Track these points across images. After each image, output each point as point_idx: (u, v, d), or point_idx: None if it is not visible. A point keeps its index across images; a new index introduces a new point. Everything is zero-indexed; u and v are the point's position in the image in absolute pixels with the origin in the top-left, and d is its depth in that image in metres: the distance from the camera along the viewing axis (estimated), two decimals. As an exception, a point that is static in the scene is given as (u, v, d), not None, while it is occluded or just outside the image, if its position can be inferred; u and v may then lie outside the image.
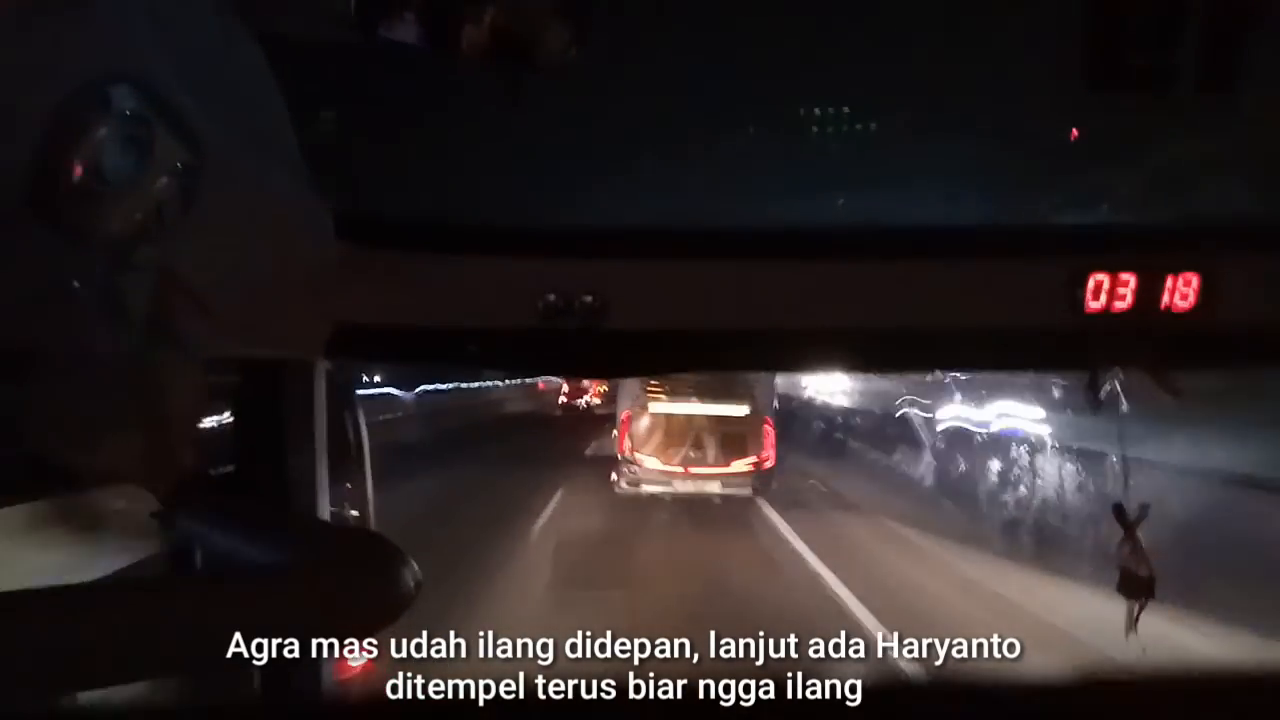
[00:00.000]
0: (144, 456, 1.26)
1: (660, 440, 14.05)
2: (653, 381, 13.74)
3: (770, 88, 1.58)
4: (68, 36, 0.85)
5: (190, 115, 1.03)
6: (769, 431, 14.13)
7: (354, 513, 3.17)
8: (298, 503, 1.95)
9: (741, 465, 13.99)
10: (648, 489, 13.91)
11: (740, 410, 14.09)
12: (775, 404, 15.89)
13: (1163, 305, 1.86)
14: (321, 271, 1.80)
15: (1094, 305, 1.87)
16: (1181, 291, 1.86)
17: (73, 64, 0.86)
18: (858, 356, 2.20)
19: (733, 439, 14.02)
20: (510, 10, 1.09)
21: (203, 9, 1.09)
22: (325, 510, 2.07)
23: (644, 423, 14.08)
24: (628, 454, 14.05)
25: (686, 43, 1.45)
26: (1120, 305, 1.87)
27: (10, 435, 1.05)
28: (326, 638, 1.30)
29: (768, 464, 14.08)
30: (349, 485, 3.15)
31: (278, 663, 1.86)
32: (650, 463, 13.92)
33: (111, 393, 1.10)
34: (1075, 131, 1.69)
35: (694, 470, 13.86)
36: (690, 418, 14.12)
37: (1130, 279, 1.86)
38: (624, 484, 14.03)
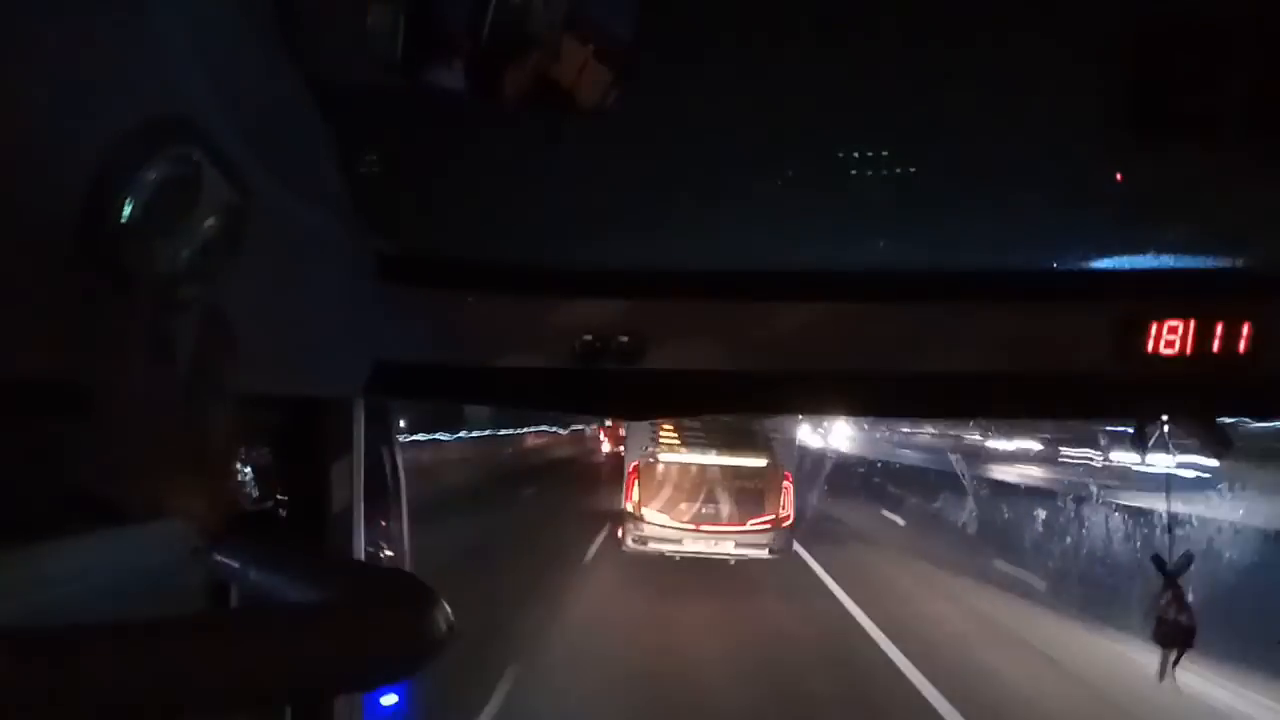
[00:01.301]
0: (185, 493, 1.26)
1: (670, 494, 13.08)
2: (664, 428, 12.86)
3: (811, 131, 1.58)
4: (116, 77, 0.87)
5: (238, 157, 1.05)
6: (788, 487, 13.16)
7: (389, 552, 3.17)
8: (333, 541, 1.95)
9: (758, 523, 12.99)
10: (656, 548, 12.87)
11: (758, 462, 13.12)
12: (796, 456, 14.71)
13: (1214, 352, 1.82)
14: (363, 310, 1.82)
15: (1142, 352, 1.83)
16: (1232, 339, 1.82)
17: (122, 104, 0.88)
18: (900, 401, 2.17)
19: (749, 494, 13.06)
20: (553, 56, 1.10)
21: (251, 51, 1.11)
22: (361, 549, 2.07)
23: (654, 474, 13.08)
24: (635, 510, 12.97)
25: (726, 86, 1.45)
26: (1169, 352, 1.83)
27: (53, 471, 1.06)
28: (359, 680, 1.29)
29: (786, 522, 13.07)
30: (385, 524, 3.15)
31: (309, 703, 1.86)
32: (659, 519, 12.91)
33: (154, 429, 1.11)
34: (1120, 176, 1.66)
35: (706, 528, 12.86)
36: (704, 469, 13.14)
37: (1180, 325, 1.82)
38: (630, 542, 12.95)
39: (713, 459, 13.16)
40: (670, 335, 1.91)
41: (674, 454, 13.13)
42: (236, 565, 1.42)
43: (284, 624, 1.07)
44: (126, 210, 0.89)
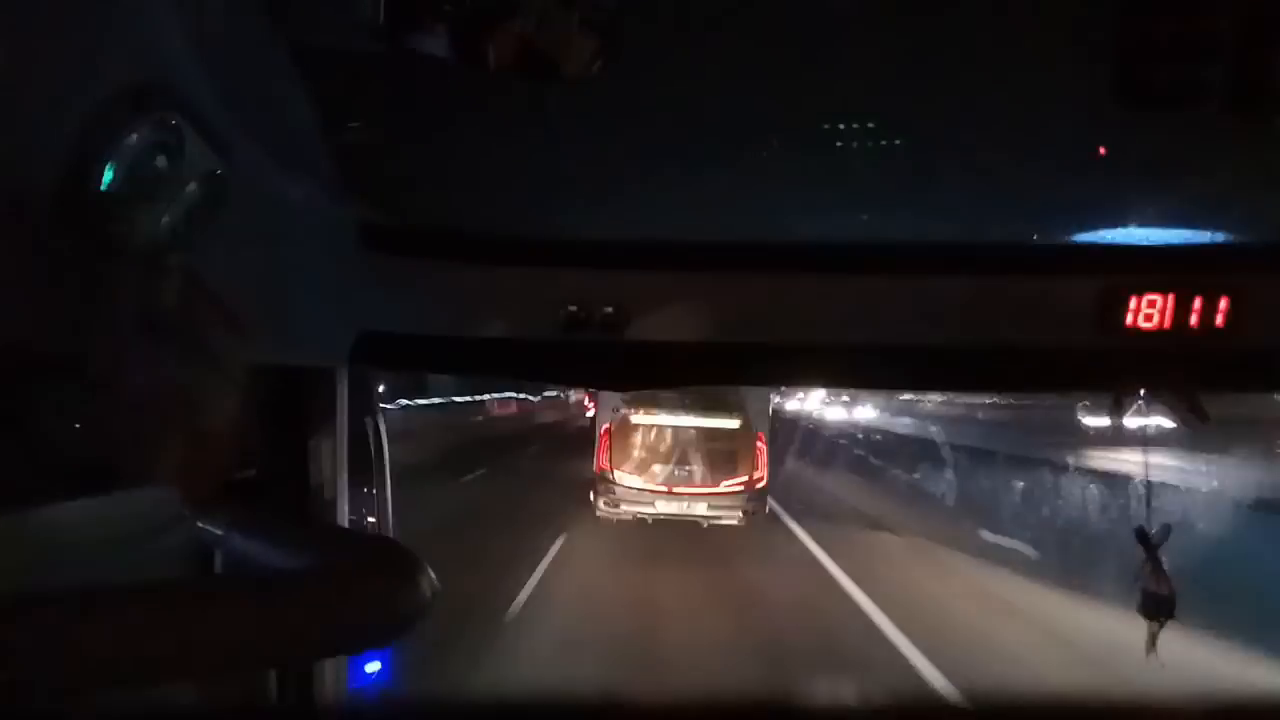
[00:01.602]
0: (172, 460, 1.27)
1: (643, 456, 12.87)
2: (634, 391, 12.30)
3: (796, 102, 1.58)
4: (99, 43, 0.86)
5: (220, 123, 1.04)
6: (762, 448, 12.98)
7: (372, 519, 3.18)
8: (317, 509, 1.96)
9: (731, 485, 12.77)
10: (628, 510, 12.64)
11: (731, 424, 12.93)
12: (770, 417, 14.46)
13: (1192, 326, 1.84)
14: (346, 280, 1.81)
15: (1122, 325, 1.85)
16: (1212, 312, 1.84)
17: (103, 69, 0.87)
18: (881, 373, 2.19)
19: (722, 455, 12.84)
20: (538, 24, 1.10)
21: (233, 18, 1.10)
22: (344, 517, 2.08)
23: (625, 437, 12.87)
24: (607, 472, 12.71)
25: (712, 56, 1.45)
26: (1148, 325, 1.85)
27: (37, 437, 1.06)
28: (343, 644, 1.30)
29: (760, 484, 12.88)
30: (369, 491, 3.16)
31: (294, 668, 1.88)
32: (631, 481, 12.69)
33: (138, 396, 1.11)
34: (1103, 149, 1.67)
35: (678, 490, 12.65)
36: (676, 431, 12.93)
37: (1159, 299, 1.84)
38: (603, 505, 12.73)
39: (685, 420, 12.95)
40: (655, 306, 1.92)
41: (646, 415, 12.92)
42: (220, 532, 1.43)
43: (267, 590, 1.08)
44: (107, 176, 0.88)
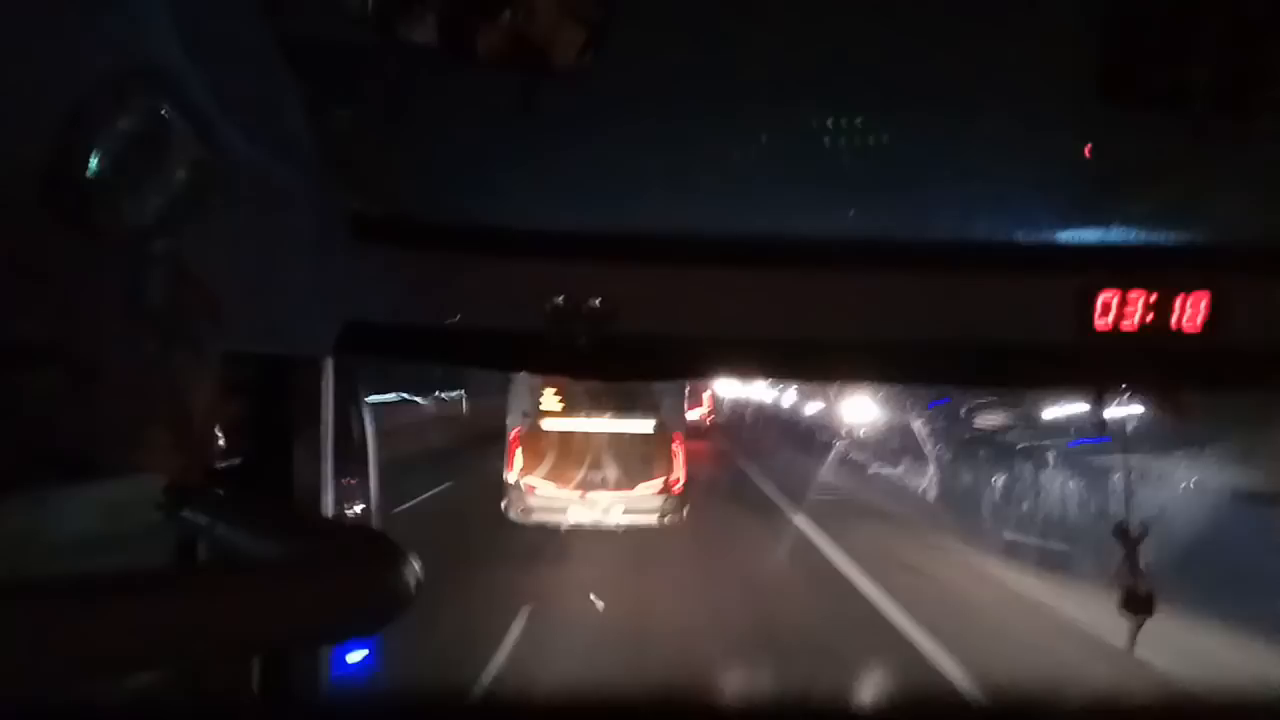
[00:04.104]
0: (157, 449, 1.26)
1: (554, 461, 12.27)
2: (545, 393, 12.11)
3: (782, 96, 1.58)
4: (88, 31, 0.86)
5: (207, 112, 1.04)
6: (679, 450, 12.41)
7: (358, 509, 3.18)
8: (302, 498, 1.95)
9: (647, 489, 12.22)
10: (540, 518, 12.09)
11: (645, 425, 12.39)
12: (685, 415, 13.79)
13: (1172, 325, 1.86)
14: (333, 269, 1.81)
15: (1103, 324, 1.87)
16: (1191, 311, 1.86)
17: (89, 56, 0.87)
18: (862, 368, 2.20)
19: (636, 458, 12.29)
20: (525, 15, 1.10)
21: (221, 6, 1.10)
22: (329, 506, 2.08)
23: (536, 441, 12.24)
24: (516, 480, 12.13)
25: (699, 49, 1.45)
26: (1129, 324, 1.86)
27: (22, 426, 1.06)
28: (326, 634, 1.30)
29: (677, 486, 12.30)
30: (354, 482, 3.16)
31: (277, 658, 1.88)
32: (543, 488, 12.16)
33: (125, 385, 1.11)
34: (1088, 149, 1.68)
35: (591, 495, 12.10)
36: (588, 435, 12.33)
37: (1140, 297, 1.86)
38: (514, 513, 12.16)
39: (596, 424, 12.42)
40: (641, 299, 1.92)
41: (555, 419, 12.36)
42: (205, 521, 1.43)
43: (251, 579, 1.08)
44: (94, 163, 0.88)
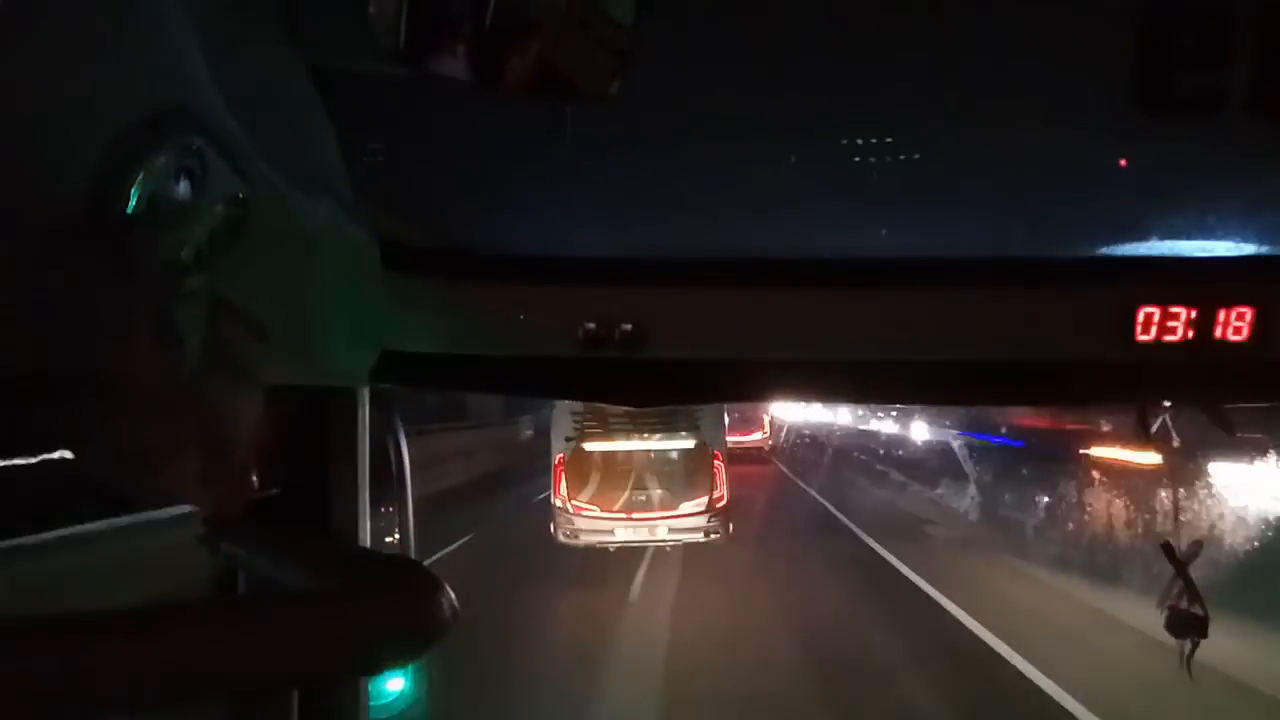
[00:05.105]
0: (194, 481, 1.28)
1: (599, 484, 12.53)
2: (587, 419, 12.32)
3: (813, 118, 1.58)
4: (119, 68, 0.87)
5: (242, 147, 1.06)
6: (720, 467, 12.66)
7: (394, 539, 3.19)
8: (339, 529, 1.96)
9: (691, 507, 12.50)
10: (588, 540, 12.36)
11: (685, 444, 12.64)
12: (725, 434, 14.03)
13: (1216, 338, 1.82)
14: (368, 300, 1.82)
15: (1145, 338, 1.83)
16: (1235, 325, 1.82)
17: (125, 95, 0.89)
18: (902, 388, 2.17)
19: (679, 477, 12.61)
20: (554, 45, 1.10)
21: (253, 41, 1.11)
22: (366, 536, 2.09)
23: (580, 465, 12.50)
24: (563, 504, 12.40)
25: (729, 73, 1.45)
26: (1171, 338, 1.83)
27: (63, 459, 1.07)
28: (365, 665, 1.30)
29: (721, 503, 12.55)
30: (390, 511, 3.17)
31: (315, 688, 1.88)
32: (589, 510, 12.39)
33: (163, 418, 1.12)
34: (1124, 161, 1.66)
35: (638, 515, 12.39)
36: (630, 455, 12.64)
37: (1182, 311, 1.82)
38: (561, 537, 12.43)
39: (638, 444, 12.71)
40: (673, 323, 1.92)
41: (598, 443, 12.61)
42: (244, 552, 1.44)
43: (291, 610, 1.09)
44: (132, 201, 0.89)
